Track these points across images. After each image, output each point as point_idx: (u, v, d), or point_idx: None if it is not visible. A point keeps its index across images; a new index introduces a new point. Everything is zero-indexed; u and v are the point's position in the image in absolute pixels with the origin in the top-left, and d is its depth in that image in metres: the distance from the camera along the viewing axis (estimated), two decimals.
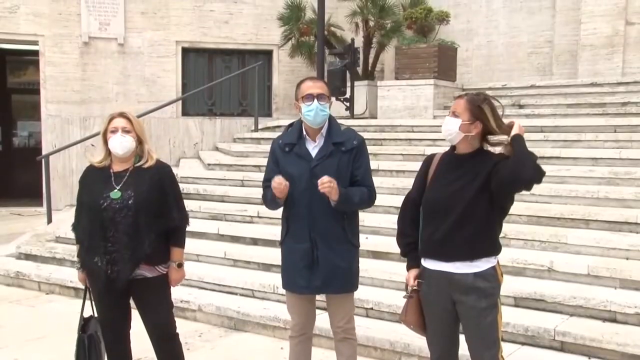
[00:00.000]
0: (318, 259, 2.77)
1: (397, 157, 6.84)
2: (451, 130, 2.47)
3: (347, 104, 8.97)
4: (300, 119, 2.86)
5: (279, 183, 2.68)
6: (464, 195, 2.39)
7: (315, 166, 2.76)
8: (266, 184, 2.87)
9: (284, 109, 10.46)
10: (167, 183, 2.89)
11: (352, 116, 8.90)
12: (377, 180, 6.00)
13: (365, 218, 5.32)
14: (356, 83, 9.16)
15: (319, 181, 2.63)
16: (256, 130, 9.14)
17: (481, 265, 2.45)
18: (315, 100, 2.74)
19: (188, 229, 2.99)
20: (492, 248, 2.48)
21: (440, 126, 2.58)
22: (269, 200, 2.83)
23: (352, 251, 2.85)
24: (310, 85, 2.78)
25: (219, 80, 9.71)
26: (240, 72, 9.89)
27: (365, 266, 4.60)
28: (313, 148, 2.82)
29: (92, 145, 8.66)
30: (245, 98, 10.51)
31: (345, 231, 2.80)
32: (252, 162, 7.56)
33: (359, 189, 2.79)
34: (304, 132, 2.83)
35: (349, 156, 2.79)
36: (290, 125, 2.93)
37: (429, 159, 2.64)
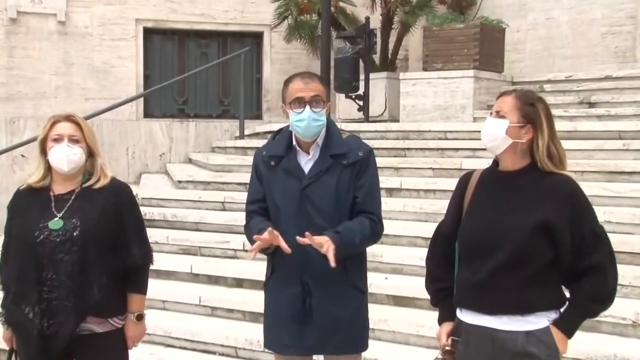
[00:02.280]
0: (311, 308, 2.81)
1: (426, 172, 6.87)
2: (495, 135, 2.48)
3: (360, 103, 9.00)
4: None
5: (263, 239, 2.69)
6: (514, 230, 2.40)
7: (308, 185, 2.80)
8: (251, 207, 2.93)
9: (277, 109, 10.24)
10: (125, 208, 2.92)
11: (366, 119, 8.94)
12: (399, 202, 6.32)
13: (384, 252, 5.37)
14: (372, 75, 9.18)
15: (317, 243, 2.65)
16: (242, 137, 9.17)
17: (536, 321, 2.44)
18: (308, 107, 2.78)
19: (152, 267, 3.01)
20: (552, 298, 2.47)
21: None
22: (254, 233, 2.85)
23: (358, 298, 2.89)
24: (301, 87, 2.82)
25: (193, 71, 9.73)
26: (221, 60, 9.89)
27: (385, 316, 4.64)
28: (306, 162, 2.87)
29: (23, 156, 8.72)
30: (227, 95, 10.53)
31: (347, 272, 2.83)
32: (237, 179, 7.61)
33: (357, 222, 2.80)
34: (294, 142, 2.88)
35: (351, 172, 2.84)
36: (278, 132, 2.98)
37: (465, 178, 2.67)
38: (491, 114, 2.53)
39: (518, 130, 2.45)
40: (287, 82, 2.89)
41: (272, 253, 2.83)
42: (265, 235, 2.68)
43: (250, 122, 9.69)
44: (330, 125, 2.92)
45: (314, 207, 2.80)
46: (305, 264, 2.79)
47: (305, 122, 2.78)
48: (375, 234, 2.85)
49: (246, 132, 9.28)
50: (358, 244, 2.77)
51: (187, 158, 9.64)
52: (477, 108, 8.39)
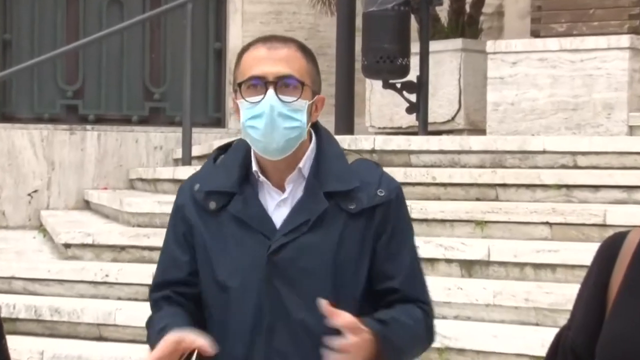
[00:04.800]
0: None
1: (538, 229, 6.88)
2: None
3: (413, 98, 8.97)
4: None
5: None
6: None
7: (281, 248, 2.90)
8: (160, 293, 3.05)
9: None
10: None
11: (423, 128, 8.95)
12: (487, 287, 6.43)
13: None
14: (434, 46, 9.27)
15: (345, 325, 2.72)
16: (187, 160, 9.19)
17: None
18: (271, 90, 2.88)
19: None
20: None
21: None
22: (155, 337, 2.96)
23: None
24: (262, 56, 2.96)
25: (96, 36, 9.78)
26: (149, 16, 10.00)
27: None
28: (277, 204, 2.99)
29: None
30: (159, 82, 10.73)
31: None
32: None
33: (404, 311, 2.93)
34: (255, 167, 3.00)
35: (364, 226, 2.95)
36: (223, 148, 3.13)
37: (612, 244, 2.63)
38: None
39: None
40: (241, 54, 3.05)
41: None
42: (165, 343, 2.73)
43: (204, 132, 9.89)
44: (324, 139, 3.06)
45: (291, 289, 2.87)
46: None
47: (264, 118, 2.84)
48: (429, 335, 3.02)
49: (195, 151, 9.27)
50: (409, 345, 2.94)
51: (83, 200, 9.74)
52: (635, 108, 8.34)
